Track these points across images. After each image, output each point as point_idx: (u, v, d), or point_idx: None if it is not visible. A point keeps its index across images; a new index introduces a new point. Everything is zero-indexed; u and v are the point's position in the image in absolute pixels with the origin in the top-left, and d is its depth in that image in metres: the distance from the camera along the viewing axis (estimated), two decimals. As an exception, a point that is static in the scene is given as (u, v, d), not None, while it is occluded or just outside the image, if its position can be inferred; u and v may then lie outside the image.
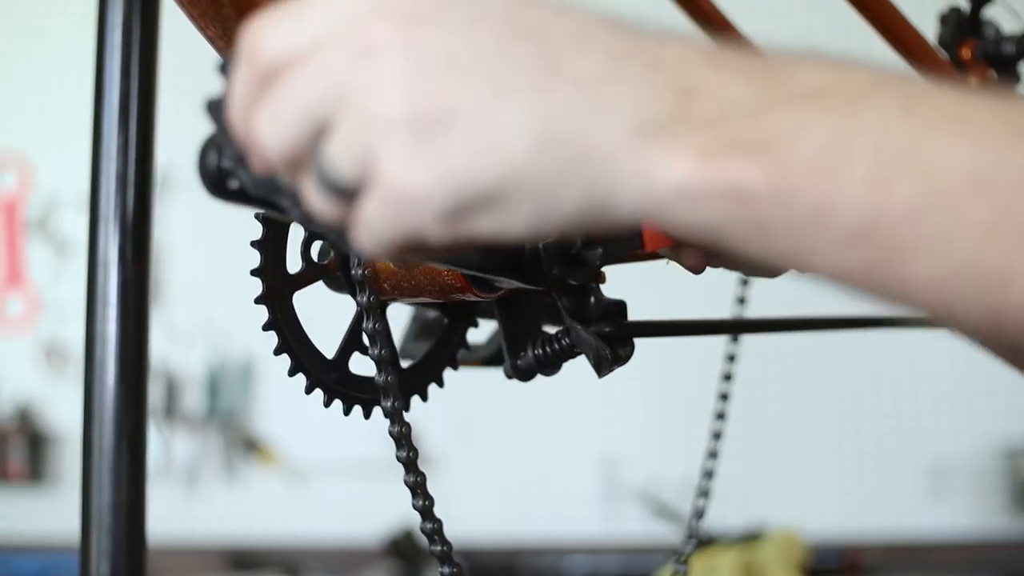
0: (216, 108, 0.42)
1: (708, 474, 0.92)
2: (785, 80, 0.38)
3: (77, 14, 2.85)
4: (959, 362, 2.76)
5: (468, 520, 2.44)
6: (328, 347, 0.70)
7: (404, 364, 0.74)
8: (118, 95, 0.79)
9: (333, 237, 0.42)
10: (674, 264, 0.67)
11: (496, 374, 0.74)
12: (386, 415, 0.68)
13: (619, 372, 0.69)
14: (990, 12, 1.08)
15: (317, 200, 0.40)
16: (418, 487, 0.66)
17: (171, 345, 2.80)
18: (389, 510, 2.66)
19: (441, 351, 0.76)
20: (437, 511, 0.66)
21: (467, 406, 2.60)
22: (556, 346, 0.70)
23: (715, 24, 1.08)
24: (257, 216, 0.66)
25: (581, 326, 0.69)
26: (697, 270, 0.66)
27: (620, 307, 0.71)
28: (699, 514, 0.91)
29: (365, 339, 0.69)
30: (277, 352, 0.66)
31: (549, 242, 0.61)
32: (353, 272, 0.68)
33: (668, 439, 2.76)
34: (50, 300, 2.88)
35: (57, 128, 2.79)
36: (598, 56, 0.38)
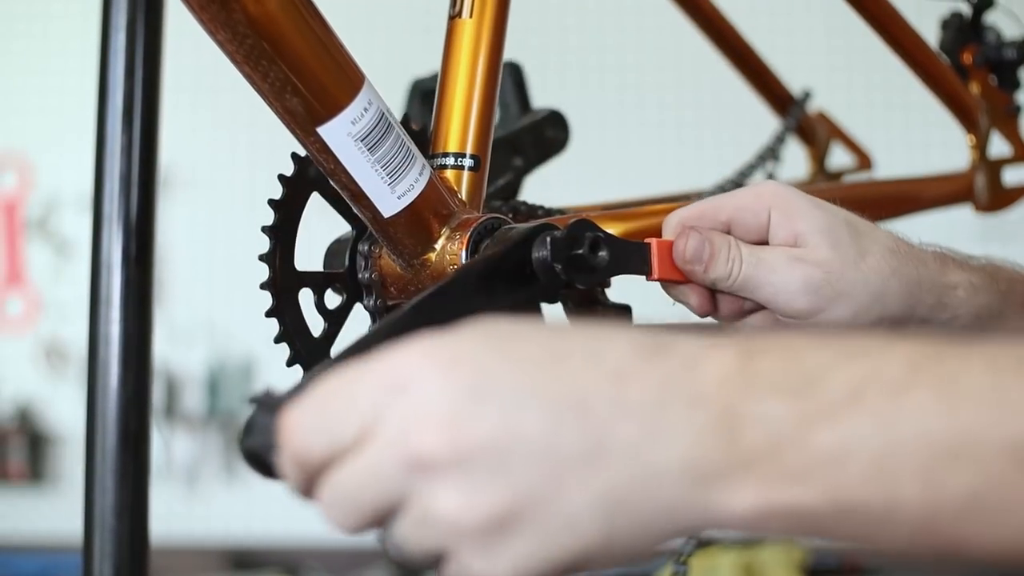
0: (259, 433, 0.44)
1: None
2: (821, 386, 0.38)
3: (78, 14, 2.86)
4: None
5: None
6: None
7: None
8: (122, 96, 0.79)
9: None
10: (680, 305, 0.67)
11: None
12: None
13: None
14: (991, 17, 1.08)
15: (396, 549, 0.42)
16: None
17: (171, 345, 2.80)
18: (389, 510, 2.67)
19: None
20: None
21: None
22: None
23: (714, 24, 1.09)
24: (270, 202, 0.66)
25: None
26: (702, 312, 0.66)
27: (626, 311, 0.71)
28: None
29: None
30: (277, 340, 0.66)
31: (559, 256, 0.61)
32: (360, 275, 0.68)
33: (668, 439, 2.76)
34: (50, 300, 2.87)
35: (57, 128, 2.79)
36: (640, 412, 0.39)
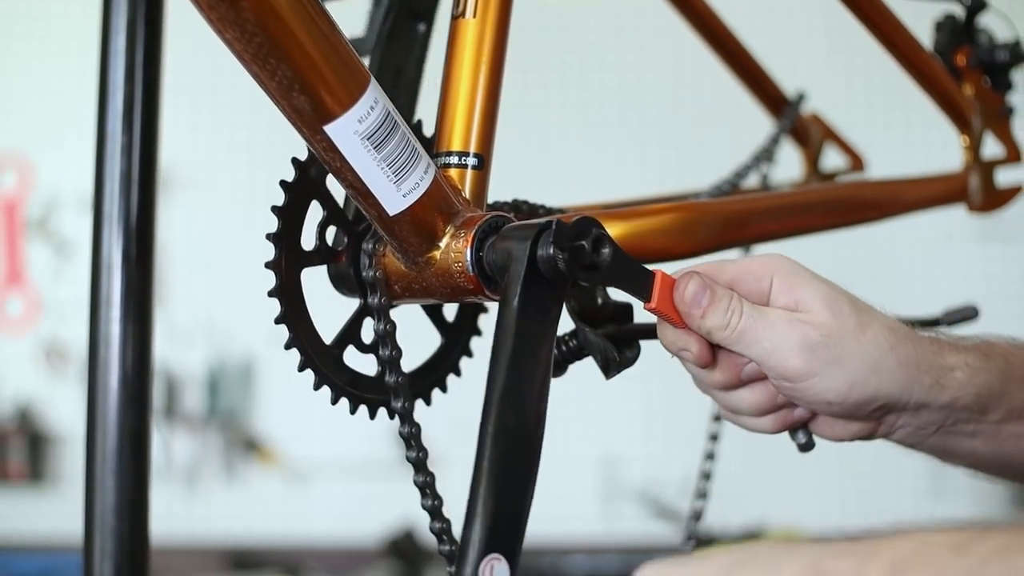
0: None
1: (706, 475, 0.93)
2: None
3: (78, 14, 2.86)
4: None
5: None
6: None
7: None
8: (122, 97, 0.79)
9: None
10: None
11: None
12: (394, 415, 0.68)
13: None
14: (984, 20, 1.09)
15: None
16: (427, 487, 0.66)
17: (171, 345, 2.80)
18: (389, 510, 2.67)
19: (445, 358, 0.77)
20: (444, 513, 0.66)
21: (469, 408, 2.59)
22: (563, 348, 0.71)
23: (708, 26, 1.09)
24: (282, 183, 0.66)
25: (588, 328, 0.70)
26: (701, 363, 0.66)
27: (627, 310, 0.71)
28: (697, 516, 0.91)
29: (364, 337, 0.69)
30: (278, 321, 0.66)
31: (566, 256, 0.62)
32: (364, 273, 0.68)
33: (668, 439, 2.76)
34: (50, 300, 2.88)
35: (57, 128, 2.79)
36: None
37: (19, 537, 2.79)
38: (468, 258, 0.64)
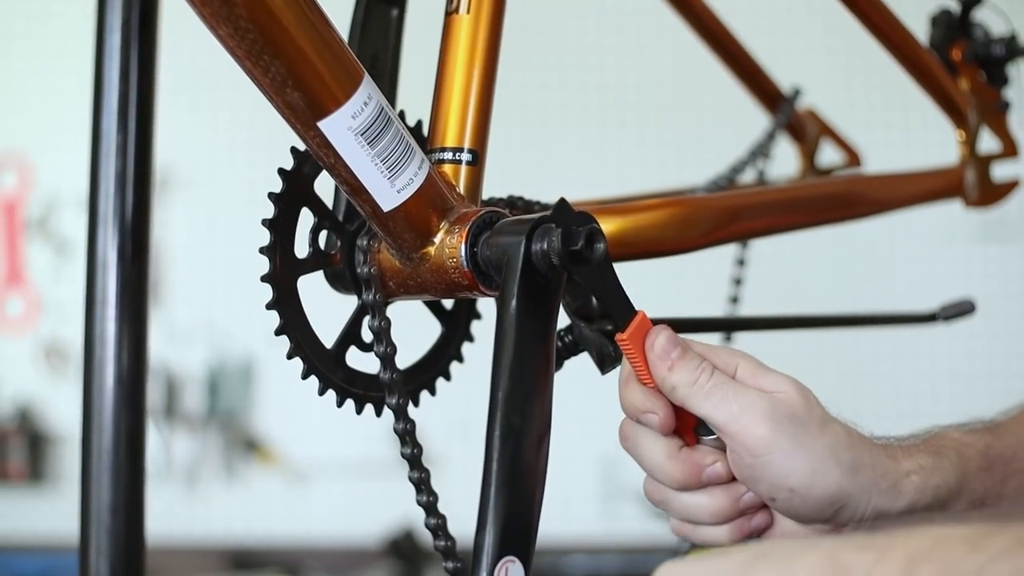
0: None
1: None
2: None
3: (78, 14, 2.85)
4: (959, 362, 2.76)
5: (469, 520, 2.43)
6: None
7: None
8: (117, 96, 0.79)
9: None
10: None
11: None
12: (388, 411, 0.68)
13: (619, 371, 0.69)
14: (980, 14, 1.09)
15: None
16: (422, 483, 0.66)
17: (171, 345, 2.80)
18: (389, 510, 2.67)
19: (440, 355, 0.76)
20: (439, 509, 0.66)
21: (468, 406, 2.59)
22: (559, 344, 0.70)
23: (705, 23, 1.09)
24: (270, 195, 0.66)
25: (584, 324, 0.70)
26: (664, 430, 0.64)
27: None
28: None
29: (364, 336, 0.69)
30: (278, 333, 0.66)
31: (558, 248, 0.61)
32: (359, 270, 0.68)
33: (668, 439, 2.75)
34: (50, 300, 2.88)
35: (57, 128, 2.79)
36: None
37: (19, 537, 2.79)
38: (463, 254, 0.64)
